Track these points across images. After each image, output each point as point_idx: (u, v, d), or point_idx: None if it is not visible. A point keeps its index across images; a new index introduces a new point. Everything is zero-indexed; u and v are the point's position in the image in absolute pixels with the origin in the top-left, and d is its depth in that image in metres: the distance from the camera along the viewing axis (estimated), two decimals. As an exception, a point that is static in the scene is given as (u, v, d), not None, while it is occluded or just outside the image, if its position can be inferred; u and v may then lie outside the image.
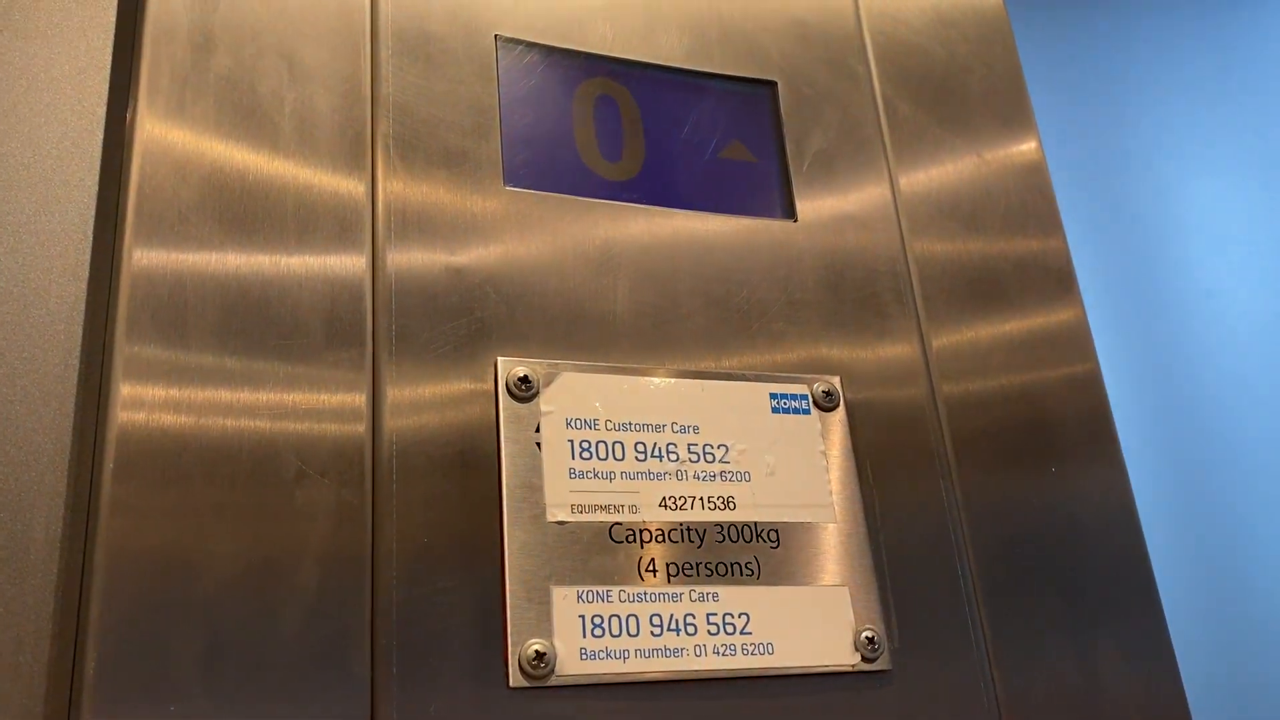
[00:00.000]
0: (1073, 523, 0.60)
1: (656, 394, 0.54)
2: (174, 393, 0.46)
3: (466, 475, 0.49)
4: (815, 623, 0.52)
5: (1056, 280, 0.67)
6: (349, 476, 0.47)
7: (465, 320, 0.52)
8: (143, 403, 0.45)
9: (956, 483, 0.59)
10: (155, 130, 0.50)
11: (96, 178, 0.49)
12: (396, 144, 0.55)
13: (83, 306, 0.46)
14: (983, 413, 0.61)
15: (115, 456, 0.44)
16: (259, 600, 0.44)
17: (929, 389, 0.61)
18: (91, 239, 0.47)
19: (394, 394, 0.50)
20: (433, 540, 0.47)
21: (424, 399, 0.50)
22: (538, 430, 0.51)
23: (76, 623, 0.42)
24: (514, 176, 0.57)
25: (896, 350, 0.61)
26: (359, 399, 0.49)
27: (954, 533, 0.57)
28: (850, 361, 0.60)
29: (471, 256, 0.54)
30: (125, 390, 0.45)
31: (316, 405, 0.48)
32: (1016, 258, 0.67)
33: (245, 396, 0.47)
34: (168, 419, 0.46)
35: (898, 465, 0.58)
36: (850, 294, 0.61)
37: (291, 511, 0.46)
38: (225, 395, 0.47)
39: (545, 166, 0.58)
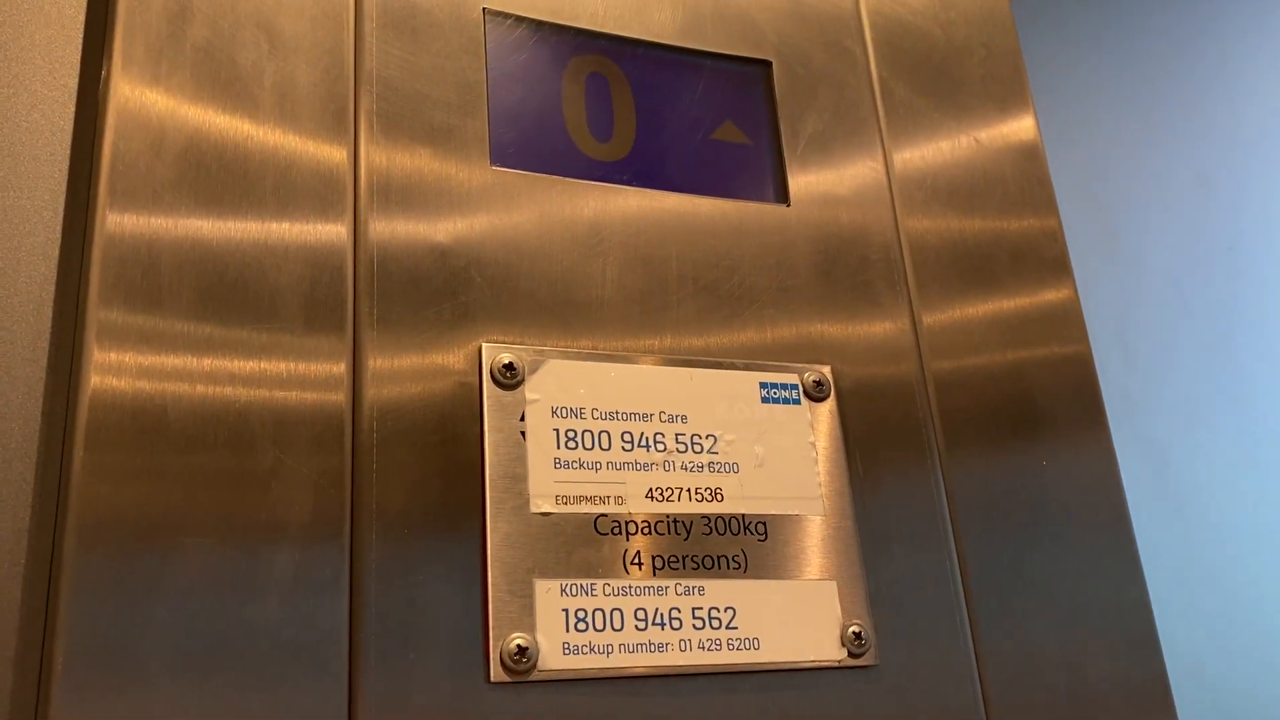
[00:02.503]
0: (1060, 508, 0.60)
1: (644, 382, 0.53)
2: (149, 359, 0.45)
3: (448, 460, 0.48)
4: (802, 617, 0.51)
5: (1049, 262, 0.67)
6: (328, 448, 0.46)
7: (449, 305, 0.51)
8: (116, 368, 0.44)
9: (945, 468, 0.58)
10: (130, 100, 0.48)
11: (68, 150, 0.47)
12: (380, 119, 0.53)
13: (52, 288, 0.44)
14: (972, 390, 0.61)
15: (87, 422, 0.43)
16: (233, 587, 0.43)
17: (919, 366, 0.60)
18: (63, 215, 0.46)
19: (375, 364, 0.48)
20: (413, 530, 0.46)
21: (406, 374, 0.49)
22: (522, 419, 0.50)
23: (45, 614, 0.41)
24: (501, 155, 0.55)
25: (887, 328, 0.60)
26: (339, 367, 0.48)
27: (941, 523, 0.57)
28: (842, 343, 0.59)
29: (456, 237, 0.52)
30: (98, 355, 0.44)
31: (296, 373, 0.47)
32: (1010, 239, 0.66)
33: (223, 363, 0.46)
34: (142, 385, 0.44)
35: (887, 453, 0.57)
36: (843, 279, 0.60)
37: (268, 485, 0.45)
38: (202, 362, 0.45)
39: (533, 145, 0.56)
